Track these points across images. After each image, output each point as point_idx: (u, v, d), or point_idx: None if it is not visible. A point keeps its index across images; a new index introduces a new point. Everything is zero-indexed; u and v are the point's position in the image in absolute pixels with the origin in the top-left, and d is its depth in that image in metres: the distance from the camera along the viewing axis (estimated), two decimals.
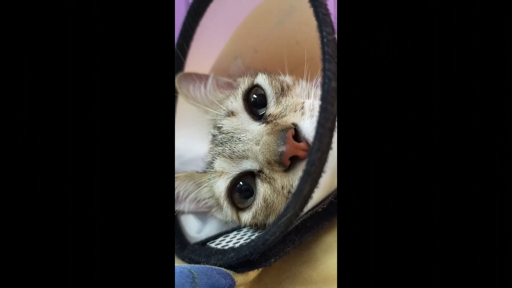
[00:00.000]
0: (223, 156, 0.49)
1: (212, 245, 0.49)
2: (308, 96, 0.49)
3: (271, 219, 0.48)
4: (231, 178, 0.49)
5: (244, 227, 0.51)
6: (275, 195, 0.45)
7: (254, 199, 0.47)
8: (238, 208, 0.50)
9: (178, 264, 0.46)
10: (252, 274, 0.43)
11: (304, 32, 0.54)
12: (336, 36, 0.35)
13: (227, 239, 0.49)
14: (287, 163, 0.42)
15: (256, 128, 0.47)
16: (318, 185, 0.35)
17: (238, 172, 0.48)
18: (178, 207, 0.57)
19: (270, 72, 0.54)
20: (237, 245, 0.45)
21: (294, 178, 0.44)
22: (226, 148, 0.49)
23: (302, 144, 0.42)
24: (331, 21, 0.36)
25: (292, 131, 0.42)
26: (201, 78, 0.59)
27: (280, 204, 0.46)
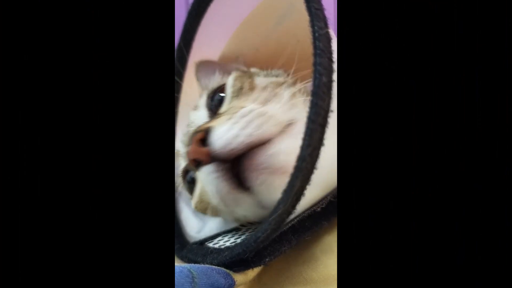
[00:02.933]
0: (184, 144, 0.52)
1: (210, 244, 0.49)
2: (264, 102, 0.46)
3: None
4: (182, 167, 0.52)
5: (244, 226, 0.51)
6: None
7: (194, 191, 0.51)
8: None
9: (178, 263, 0.46)
10: (252, 273, 0.43)
11: (305, 30, 0.54)
12: (328, 30, 0.35)
13: (225, 238, 0.49)
14: (192, 165, 0.42)
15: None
16: (310, 182, 0.35)
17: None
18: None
19: (264, 70, 0.55)
20: (233, 244, 0.45)
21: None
22: (185, 139, 0.52)
23: (204, 149, 0.40)
24: (324, 15, 0.36)
25: (200, 134, 0.41)
26: (214, 65, 0.60)
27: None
